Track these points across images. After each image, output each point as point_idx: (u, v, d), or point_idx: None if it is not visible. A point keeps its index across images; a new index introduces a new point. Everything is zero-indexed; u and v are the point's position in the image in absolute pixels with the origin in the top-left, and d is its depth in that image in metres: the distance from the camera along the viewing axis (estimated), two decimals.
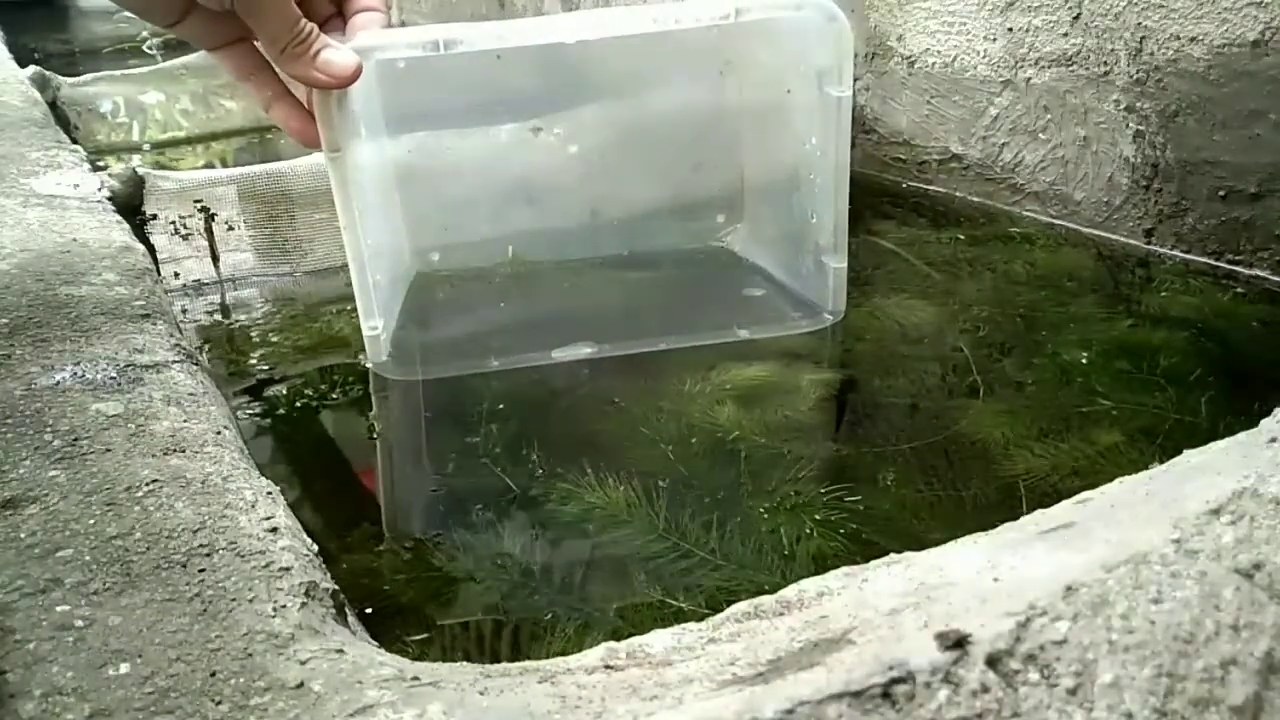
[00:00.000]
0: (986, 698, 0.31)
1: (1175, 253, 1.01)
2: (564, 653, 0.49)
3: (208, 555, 0.44)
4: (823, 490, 0.67)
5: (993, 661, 0.32)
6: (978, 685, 0.31)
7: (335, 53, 0.64)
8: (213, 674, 0.37)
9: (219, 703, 0.36)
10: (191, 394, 0.59)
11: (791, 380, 0.81)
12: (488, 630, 0.57)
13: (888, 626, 0.35)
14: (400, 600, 0.59)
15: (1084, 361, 0.81)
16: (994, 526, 0.46)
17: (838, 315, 0.88)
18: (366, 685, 0.36)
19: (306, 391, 0.83)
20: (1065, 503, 0.48)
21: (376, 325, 0.82)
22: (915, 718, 0.30)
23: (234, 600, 0.41)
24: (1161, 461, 0.52)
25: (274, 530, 0.46)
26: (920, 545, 0.45)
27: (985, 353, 0.84)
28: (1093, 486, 0.49)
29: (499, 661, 0.46)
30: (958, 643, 0.32)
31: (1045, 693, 0.32)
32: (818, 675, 0.32)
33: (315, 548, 0.49)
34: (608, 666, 0.38)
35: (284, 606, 0.40)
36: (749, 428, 0.74)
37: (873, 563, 0.44)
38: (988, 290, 0.96)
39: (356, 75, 0.65)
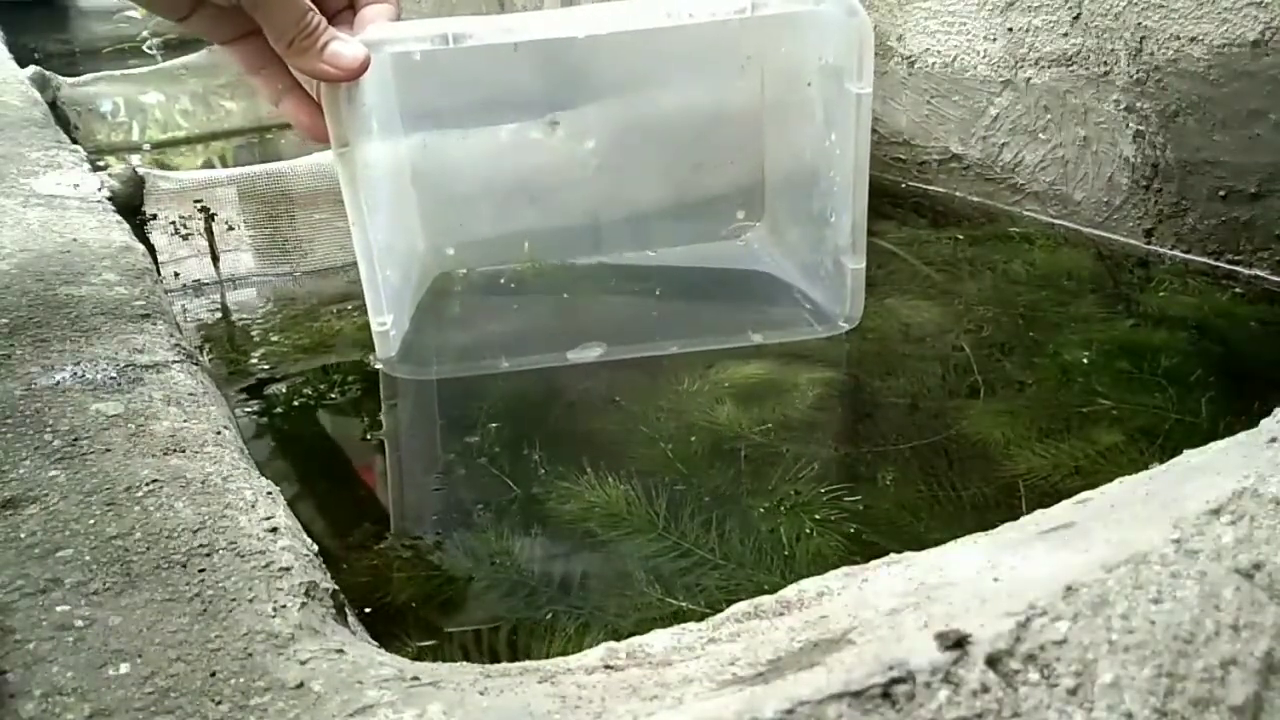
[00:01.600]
0: (986, 698, 0.31)
1: (1175, 253, 1.01)
2: (564, 653, 0.49)
3: (208, 555, 0.44)
4: (823, 490, 0.67)
5: (993, 661, 0.32)
6: (978, 685, 0.31)
7: (343, 45, 0.64)
8: (213, 674, 0.37)
9: (219, 703, 0.36)
10: (191, 394, 0.59)
11: (790, 379, 0.81)
12: (487, 630, 0.57)
13: (888, 626, 0.35)
14: (400, 600, 0.59)
15: (1085, 361, 0.81)
16: (994, 526, 0.46)
17: (853, 321, 0.86)
18: (366, 685, 0.36)
19: (306, 391, 0.83)
20: (1065, 503, 0.48)
21: (385, 321, 0.81)
22: (915, 718, 0.30)
23: (234, 600, 0.41)
24: (1162, 461, 0.52)
25: (274, 530, 0.46)
26: (920, 545, 0.45)
27: (986, 353, 0.84)
28: (1093, 486, 0.49)
29: (499, 661, 0.46)
30: (958, 643, 0.32)
31: (1045, 693, 0.32)
32: (818, 675, 0.32)
33: (315, 548, 0.49)
34: (608, 666, 0.38)
35: (284, 606, 0.40)
36: (748, 427, 0.75)
37: (873, 563, 0.44)
38: (988, 290, 0.96)
39: (364, 68, 0.65)
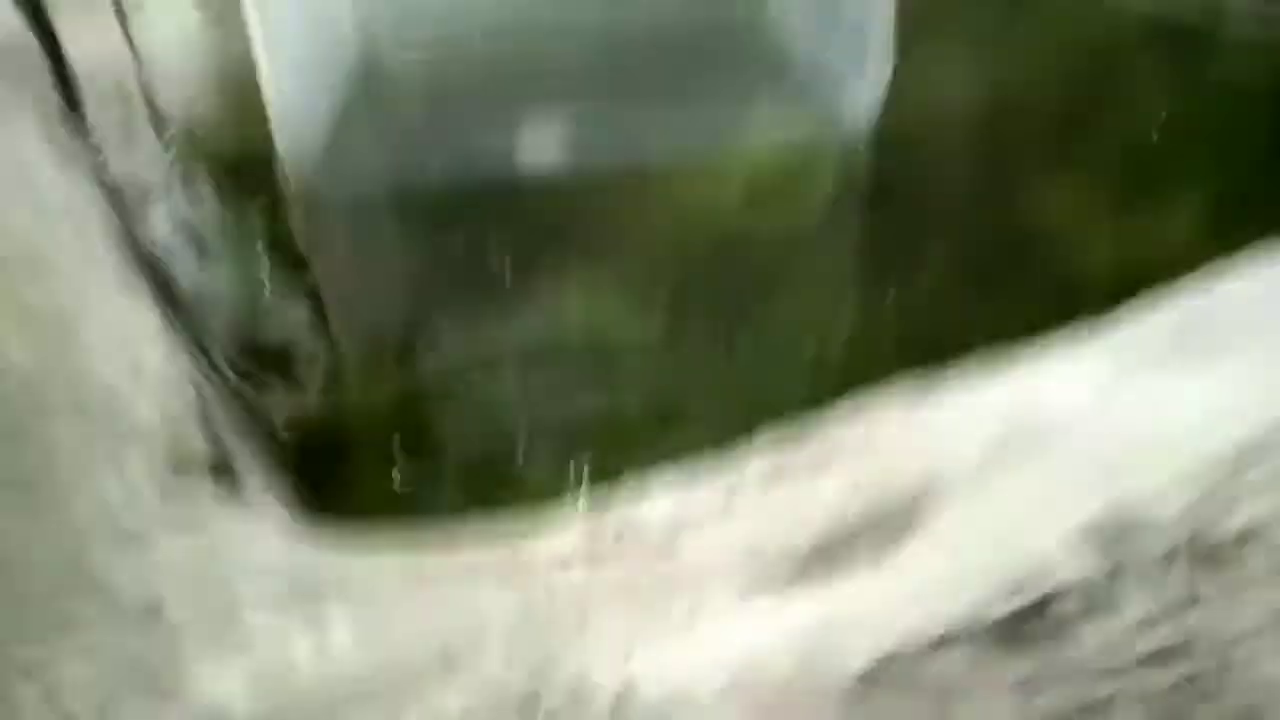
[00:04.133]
0: (1168, 598, 0.21)
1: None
2: (535, 500, 0.39)
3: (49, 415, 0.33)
4: (852, 293, 0.55)
5: (1171, 556, 0.21)
6: (1166, 590, 0.21)
7: None
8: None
9: None
10: None
11: (813, 164, 0.68)
12: (449, 470, 0.47)
13: (999, 501, 0.24)
14: (352, 434, 0.49)
15: (1157, 141, 0.68)
16: (1054, 329, 0.36)
17: (874, 107, 0.71)
18: (242, 605, 0.25)
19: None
20: (1170, 302, 0.37)
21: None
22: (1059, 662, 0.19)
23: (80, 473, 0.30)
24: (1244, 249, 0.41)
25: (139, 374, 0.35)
26: (975, 357, 0.35)
27: (1041, 128, 0.71)
28: (1178, 280, 0.38)
29: (455, 513, 0.37)
30: (1113, 538, 0.21)
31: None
32: (903, 588, 0.21)
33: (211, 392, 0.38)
34: (590, 557, 0.27)
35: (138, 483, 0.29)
36: (762, 219, 0.62)
37: (936, 385, 0.34)
38: (1051, 54, 0.82)
39: None
